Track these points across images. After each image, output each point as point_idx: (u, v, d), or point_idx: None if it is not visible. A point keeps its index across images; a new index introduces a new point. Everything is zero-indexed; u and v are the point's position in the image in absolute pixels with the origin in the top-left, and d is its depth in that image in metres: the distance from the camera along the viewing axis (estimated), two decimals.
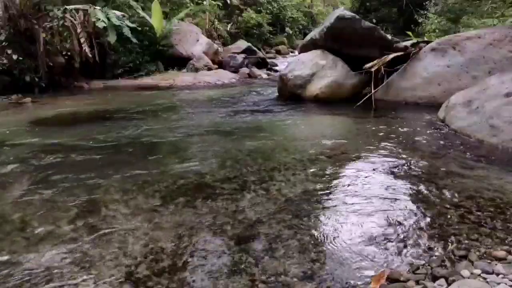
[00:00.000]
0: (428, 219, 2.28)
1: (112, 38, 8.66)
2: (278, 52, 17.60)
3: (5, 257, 1.99)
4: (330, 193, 2.70)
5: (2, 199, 2.73)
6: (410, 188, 2.75)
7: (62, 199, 2.67)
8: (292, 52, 18.04)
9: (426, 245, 2.00)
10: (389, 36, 6.59)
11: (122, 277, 1.80)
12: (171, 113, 5.93)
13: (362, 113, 5.37)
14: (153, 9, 10.43)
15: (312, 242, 2.07)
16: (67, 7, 8.24)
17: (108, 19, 8.42)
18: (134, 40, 9.37)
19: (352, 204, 2.53)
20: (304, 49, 7.10)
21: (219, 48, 12.53)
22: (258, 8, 17.83)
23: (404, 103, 5.79)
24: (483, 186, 2.71)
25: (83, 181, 3.00)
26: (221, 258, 1.94)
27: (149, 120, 5.31)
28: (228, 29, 15.83)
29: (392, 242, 2.05)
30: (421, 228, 2.18)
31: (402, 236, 2.10)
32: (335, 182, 2.91)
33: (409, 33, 10.41)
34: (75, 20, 8.13)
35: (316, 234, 2.15)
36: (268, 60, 13.39)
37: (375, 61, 5.99)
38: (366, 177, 2.98)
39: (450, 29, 10.15)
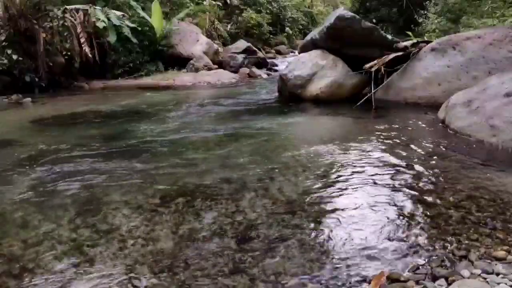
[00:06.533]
0: (428, 219, 2.28)
1: (112, 38, 8.67)
2: (278, 52, 17.57)
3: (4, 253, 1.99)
4: (330, 192, 2.70)
5: (2, 198, 2.73)
6: (410, 188, 2.75)
7: (62, 198, 2.67)
8: (292, 52, 18.00)
9: (426, 245, 2.00)
10: (389, 36, 6.58)
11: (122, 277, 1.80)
12: (171, 113, 5.92)
13: (362, 113, 5.36)
14: (153, 9, 10.43)
15: (312, 242, 2.07)
16: (67, 7, 8.25)
17: (108, 19, 8.44)
18: (134, 40, 9.38)
19: (352, 204, 2.53)
20: (304, 49, 7.09)
21: (219, 48, 12.51)
22: (258, 8, 17.81)
23: (404, 103, 5.78)
24: (483, 186, 2.71)
25: (83, 181, 3.00)
26: (221, 258, 1.94)
27: (148, 120, 5.31)
28: (228, 29, 15.82)
29: (392, 242, 2.05)
30: (421, 228, 2.18)
31: (402, 236, 2.10)
32: (335, 181, 2.91)
33: (409, 33, 10.40)
34: (75, 20, 8.14)
35: (316, 234, 2.15)
36: (268, 60, 13.38)
37: (375, 61, 5.98)
38: (366, 177, 2.98)
39: (450, 29, 10.13)
